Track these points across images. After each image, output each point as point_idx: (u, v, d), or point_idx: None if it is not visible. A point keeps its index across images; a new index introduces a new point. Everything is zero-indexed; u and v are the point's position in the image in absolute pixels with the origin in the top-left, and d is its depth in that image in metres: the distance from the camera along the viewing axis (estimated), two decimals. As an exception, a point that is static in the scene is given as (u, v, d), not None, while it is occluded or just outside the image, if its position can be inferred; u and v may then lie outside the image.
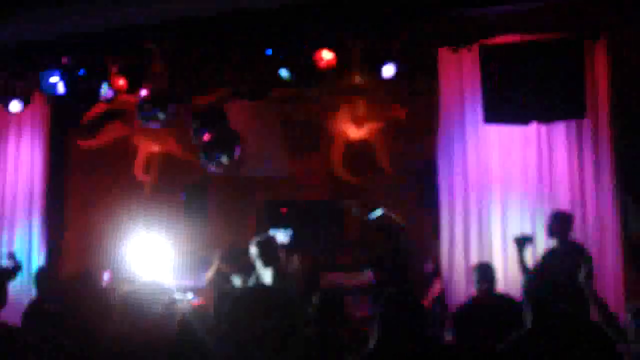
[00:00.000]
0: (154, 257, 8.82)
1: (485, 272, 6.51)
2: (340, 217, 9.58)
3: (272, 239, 7.23)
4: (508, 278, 7.26)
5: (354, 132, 8.78)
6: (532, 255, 7.17)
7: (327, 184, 9.56)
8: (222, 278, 7.39)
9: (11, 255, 8.08)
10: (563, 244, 6.78)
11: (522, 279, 6.56)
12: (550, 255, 6.85)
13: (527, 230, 7.42)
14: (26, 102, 8.71)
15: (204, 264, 9.19)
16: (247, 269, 7.31)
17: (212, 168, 8.68)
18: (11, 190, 9.39)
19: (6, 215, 9.35)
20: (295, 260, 7.45)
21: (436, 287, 8.05)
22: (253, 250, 6.87)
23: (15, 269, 7.73)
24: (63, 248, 9.88)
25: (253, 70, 8.35)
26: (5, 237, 9.22)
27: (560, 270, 6.25)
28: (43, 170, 9.44)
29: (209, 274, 7.56)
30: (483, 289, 6.40)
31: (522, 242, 6.90)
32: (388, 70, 7.68)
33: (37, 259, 9.11)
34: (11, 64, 8.47)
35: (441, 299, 7.75)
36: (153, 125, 8.43)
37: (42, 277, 7.43)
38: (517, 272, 6.95)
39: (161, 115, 8.18)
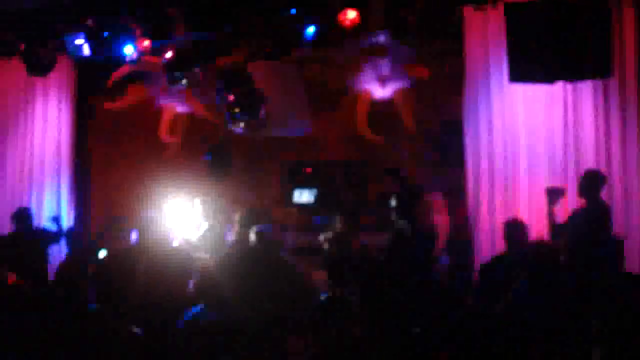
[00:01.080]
0: (178, 218, 8.92)
1: (511, 232, 6.51)
2: (364, 177, 9.59)
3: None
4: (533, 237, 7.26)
5: (378, 92, 8.74)
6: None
7: (350, 143, 9.55)
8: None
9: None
10: (591, 205, 6.74)
11: (551, 232, 6.64)
12: (577, 214, 6.83)
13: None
14: (52, 64, 8.75)
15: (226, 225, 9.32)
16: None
17: (236, 128, 8.70)
18: (39, 152, 9.57)
19: (35, 177, 9.53)
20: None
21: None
22: None
23: (59, 233, 7.91)
24: (90, 209, 10.02)
25: (276, 30, 8.32)
26: (34, 199, 9.36)
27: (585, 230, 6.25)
28: (70, 132, 9.61)
29: (233, 235, 7.59)
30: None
31: (554, 193, 6.88)
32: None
33: (66, 219, 9.25)
34: (36, 27, 8.51)
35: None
36: (178, 86, 8.46)
37: (74, 237, 7.59)
38: (543, 231, 6.97)
39: (186, 76, 8.20)
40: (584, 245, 6.28)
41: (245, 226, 7.23)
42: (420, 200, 8.14)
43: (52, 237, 8.41)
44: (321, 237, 7.39)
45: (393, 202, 7.26)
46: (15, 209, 8.64)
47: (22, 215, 8.32)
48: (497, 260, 6.67)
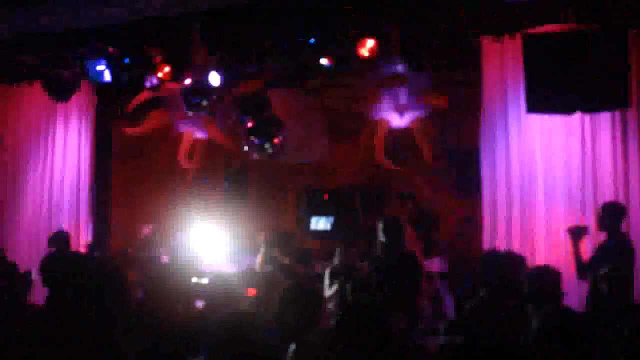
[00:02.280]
0: (197, 243, 8.98)
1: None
2: (380, 203, 9.58)
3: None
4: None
5: (396, 120, 8.77)
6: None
7: (367, 172, 9.57)
8: (273, 262, 7.41)
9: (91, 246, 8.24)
10: (612, 238, 6.66)
11: (579, 271, 6.53)
12: (598, 249, 6.74)
13: (570, 221, 7.37)
14: (74, 90, 8.87)
15: (247, 249, 9.34)
16: (298, 253, 7.38)
17: (255, 155, 8.76)
18: (59, 176, 9.67)
19: (54, 201, 9.61)
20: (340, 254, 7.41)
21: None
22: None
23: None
24: (109, 233, 10.10)
25: (294, 58, 8.39)
26: (53, 223, 9.44)
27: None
28: (90, 157, 9.73)
29: (260, 258, 7.57)
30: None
31: (577, 232, 6.71)
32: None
33: (85, 244, 9.31)
34: (58, 52, 8.63)
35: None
36: (197, 112, 8.54)
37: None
38: (560, 263, 6.90)
39: (205, 103, 8.28)
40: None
41: (276, 247, 7.29)
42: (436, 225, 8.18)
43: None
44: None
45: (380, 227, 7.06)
46: (49, 232, 8.62)
47: (61, 239, 8.29)
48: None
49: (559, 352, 3.69)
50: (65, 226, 9.40)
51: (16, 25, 8.09)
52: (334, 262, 7.22)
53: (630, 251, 6.64)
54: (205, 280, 8.09)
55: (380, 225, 6.77)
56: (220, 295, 5.18)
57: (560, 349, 3.69)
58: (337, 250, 7.29)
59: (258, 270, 7.47)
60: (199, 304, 6.25)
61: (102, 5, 7.92)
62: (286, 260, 6.99)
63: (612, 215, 6.72)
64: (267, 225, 9.55)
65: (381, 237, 6.74)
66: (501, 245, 7.78)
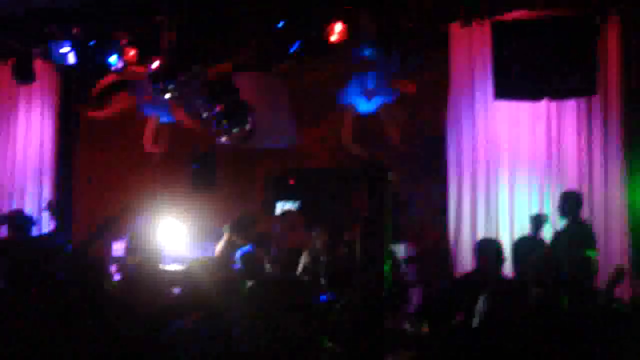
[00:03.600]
0: (162, 228, 8.91)
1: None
2: (347, 187, 9.59)
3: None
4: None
5: (364, 105, 8.77)
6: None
7: (335, 156, 9.57)
8: (232, 249, 7.40)
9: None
10: (573, 224, 6.78)
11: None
12: (559, 236, 6.85)
13: (534, 207, 7.48)
14: (36, 72, 8.72)
15: (213, 235, 9.30)
16: (258, 238, 7.36)
17: (223, 139, 8.69)
18: (22, 159, 9.53)
19: (17, 184, 9.48)
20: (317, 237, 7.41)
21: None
22: None
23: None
24: (71, 218, 9.96)
25: (262, 42, 8.35)
26: (15, 206, 9.30)
27: (568, 252, 6.27)
28: (53, 141, 9.58)
29: (220, 245, 7.56)
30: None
31: (538, 220, 6.87)
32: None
33: (47, 226, 9.18)
34: (21, 34, 8.48)
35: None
36: (164, 96, 8.44)
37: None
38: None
39: (172, 87, 8.18)
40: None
41: (235, 233, 7.26)
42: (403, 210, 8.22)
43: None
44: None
45: None
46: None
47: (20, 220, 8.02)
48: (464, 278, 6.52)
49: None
50: (26, 210, 9.26)
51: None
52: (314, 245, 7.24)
53: (591, 237, 6.77)
54: (176, 267, 8.08)
55: None
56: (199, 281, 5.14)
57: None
58: (314, 233, 7.31)
59: (217, 256, 7.42)
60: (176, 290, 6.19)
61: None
62: (244, 241, 6.99)
63: (571, 202, 6.85)
64: (234, 210, 9.54)
65: None
66: (466, 228, 7.88)
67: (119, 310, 5.46)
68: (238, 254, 6.99)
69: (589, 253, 6.20)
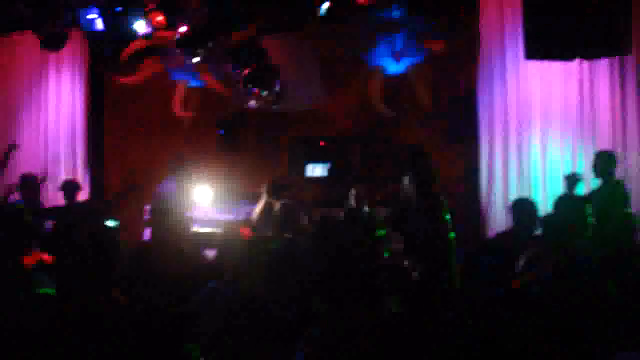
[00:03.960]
0: (192, 191, 8.98)
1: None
2: (378, 152, 9.56)
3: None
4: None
5: (393, 66, 8.70)
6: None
7: (364, 118, 9.53)
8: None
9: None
10: (607, 184, 6.73)
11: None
12: (593, 195, 6.80)
13: (567, 166, 7.42)
14: (65, 39, 8.73)
15: (243, 197, 9.34)
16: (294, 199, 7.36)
17: (251, 103, 8.70)
18: (54, 126, 9.62)
19: (50, 152, 9.57)
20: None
21: None
22: None
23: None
24: (104, 183, 10.08)
25: (290, 4, 8.30)
26: (49, 172, 9.40)
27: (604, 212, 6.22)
28: (83, 107, 9.68)
29: (258, 207, 7.52)
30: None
31: (572, 180, 6.82)
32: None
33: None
34: (49, 1, 8.47)
35: None
36: (192, 61, 8.44)
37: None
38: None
39: (200, 51, 8.17)
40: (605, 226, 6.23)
41: (273, 195, 7.27)
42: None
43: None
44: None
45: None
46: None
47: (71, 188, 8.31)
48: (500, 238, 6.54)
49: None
50: (62, 176, 9.40)
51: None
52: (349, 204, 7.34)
53: (625, 196, 6.71)
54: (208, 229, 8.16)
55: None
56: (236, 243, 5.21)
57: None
58: (351, 192, 7.34)
59: (255, 219, 7.42)
60: (210, 253, 6.24)
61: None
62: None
63: (605, 163, 6.78)
64: (262, 173, 9.58)
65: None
66: (498, 189, 7.85)
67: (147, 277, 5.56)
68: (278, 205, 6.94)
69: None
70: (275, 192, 7.38)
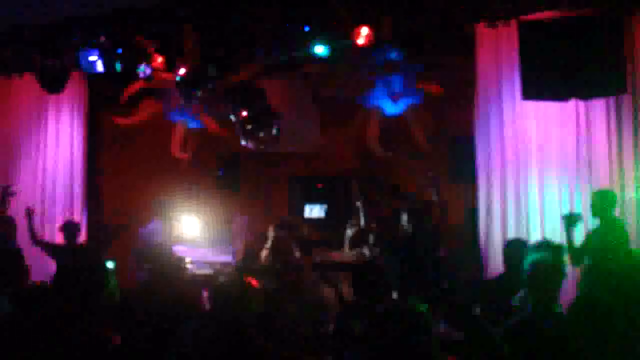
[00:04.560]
0: (189, 233, 8.97)
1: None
2: (376, 192, 9.59)
3: None
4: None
5: (390, 107, 8.77)
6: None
7: (361, 159, 9.58)
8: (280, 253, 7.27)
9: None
10: (605, 224, 6.73)
11: (572, 257, 6.57)
12: (592, 235, 6.81)
13: (564, 206, 7.45)
14: (65, 80, 8.81)
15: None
16: (303, 243, 7.35)
17: (249, 144, 8.74)
18: (52, 167, 9.63)
19: (47, 192, 9.57)
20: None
21: None
22: None
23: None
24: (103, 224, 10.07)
25: (287, 46, 8.38)
26: (46, 213, 9.41)
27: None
28: (82, 148, 9.72)
29: (265, 251, 7.44)
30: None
31: (571, 220, 6.81)
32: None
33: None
34: (50, 43, 8.56)
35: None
36: (191, 102, 8.50)
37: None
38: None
39: (199, 93, 8.24)
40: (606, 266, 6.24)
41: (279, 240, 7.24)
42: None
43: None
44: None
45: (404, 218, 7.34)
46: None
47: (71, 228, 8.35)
48: (495, 281, 6.50)
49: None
50: (57, 216, 9.39)
51: (7, 16, 8.01)
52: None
53: (624, 236, 6.72)
54: (205, 271, 8.13)
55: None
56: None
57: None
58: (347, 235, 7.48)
59: (262, 263, 7.37)
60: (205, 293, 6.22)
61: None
62: (297, 253, 6.90)
63: (604, 201, 6.80)
64: (259, 214, 9.60)
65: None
66: (496, 229, 7.86)
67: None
68: None
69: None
70: (284, 230, 7.37)
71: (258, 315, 4.85)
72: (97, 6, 8.19)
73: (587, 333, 3.79)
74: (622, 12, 7.06)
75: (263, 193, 10.14)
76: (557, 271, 4.40)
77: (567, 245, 6.69)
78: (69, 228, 8.27)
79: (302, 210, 9.80)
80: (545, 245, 5.77)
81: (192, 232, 9.18)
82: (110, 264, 7.71)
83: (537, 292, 4.29)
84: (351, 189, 9.24)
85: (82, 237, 9.06)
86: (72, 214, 9.48)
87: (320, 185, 9.87)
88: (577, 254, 6.64)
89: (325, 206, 9.71)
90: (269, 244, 7.17)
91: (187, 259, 7.99)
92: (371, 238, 7.76)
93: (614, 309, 3.84)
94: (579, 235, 6.95)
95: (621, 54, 6.91)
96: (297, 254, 6.84)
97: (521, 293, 5.07)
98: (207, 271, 8.43)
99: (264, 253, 7.19)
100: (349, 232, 7.90)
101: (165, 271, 6.10)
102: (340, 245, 8.03)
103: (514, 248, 6.07)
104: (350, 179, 9.68)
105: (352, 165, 9.76)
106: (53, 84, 8.70)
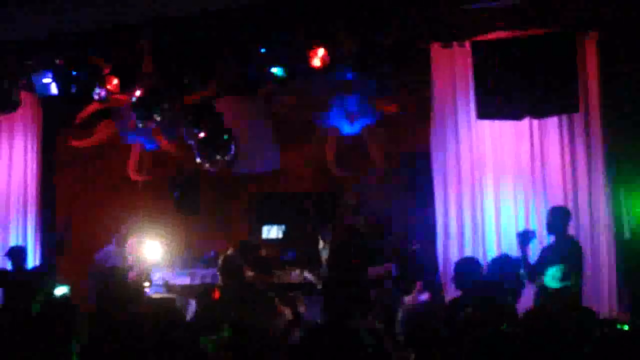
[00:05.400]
0: (147, 255, 8.87)
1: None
2: (332, 211, 9.60)
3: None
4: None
5: (346, 127, 8.82)
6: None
7: (318, 179, 9.60)
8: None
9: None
10: (559, 240, 6.83)
11: (527, 273, 6.64)
12: (546, 251, 6.89)
13: (520, 222, 7.54)
14: (18, 103, 8.68)
15: (200, 261, 9.28)
16: (261, 264, 7.33)
17: (207, 165, 8.69)
18: (5, 190, 9.42)
19: (0, 215, 9.37)
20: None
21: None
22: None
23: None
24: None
25: (243, 67, 8.38)
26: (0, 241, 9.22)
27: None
28: (36, 170, 9.53)
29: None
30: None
31: (525, 236, 6.86)
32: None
33: (33, 257, 9.12)
34: (2, 64, 8.43)
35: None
36: (147, 124, 8.43)
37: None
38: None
39: (156, 115, 8.17)
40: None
41: (242, 256, 7.20)
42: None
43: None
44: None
45: None
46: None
47: (17, 254, 8.19)
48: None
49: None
50: (11, 239, 9.23)
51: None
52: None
53: (578, 252, 6.81)
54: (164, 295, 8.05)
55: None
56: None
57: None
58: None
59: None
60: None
61: (48, 16, 7.77)
62: (249, 273, 6.89)
63: (558, 218, 6.89)
64: (218, 235, 9.54)
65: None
66: (453, 247, 7.92)
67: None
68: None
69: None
70: (244, 254, 7.32)
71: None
72: (51, 29, 8.09)
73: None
74: (573, 33, 7.20)
75: (222, 213, 10.08)
76: None
77: (521, 261, 6.74)
78: (16, 253, 8.11)
79: (260, 231, 9.76)
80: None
81: (151, 255, 9.07)
82: (63, 289, 7.61)
83: None
84: (309, 209, 9.26)
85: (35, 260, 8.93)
86: (25, 238, 9.30)
87: (276, 205, 9.86)
88: (531, 269, 6.70)
89: (282, 226, 9.69)
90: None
91: (146, 283, 7.95)
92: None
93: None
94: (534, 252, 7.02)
95: (573, 73, 7.07)
96: (250, 273, 6.86)
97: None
98: (166, 294, 8.37)
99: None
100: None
101: (116, 295, 6.02)
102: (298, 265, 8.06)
103: (466, 267, 6.11)
104: (309, 199, 9.71)
105: (310, 185, 9.77)
106: (4, 107, 8.56)
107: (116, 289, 6.06)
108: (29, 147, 9.50)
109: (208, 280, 8.47)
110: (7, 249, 8.39)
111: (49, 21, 7.89)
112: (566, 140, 7.54)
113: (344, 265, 7.69)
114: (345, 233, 8.33)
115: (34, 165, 9.53)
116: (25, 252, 8.27)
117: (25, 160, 9.49)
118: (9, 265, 8.19)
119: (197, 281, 8.84)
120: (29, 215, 9.44)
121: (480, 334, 3.70)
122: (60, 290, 7.53)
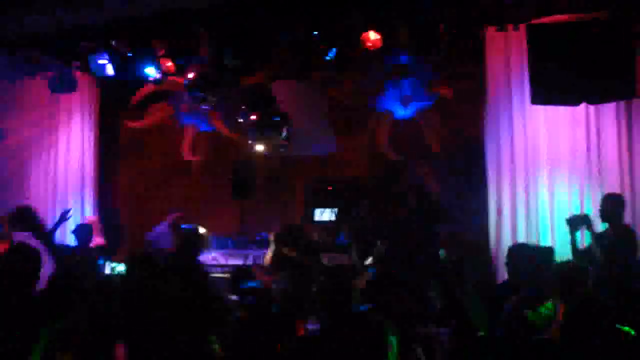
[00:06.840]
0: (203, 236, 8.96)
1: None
2: (387, 195, 9.56)
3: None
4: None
5: (401, 112, 8.76)
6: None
7: (373, 163, 9.56)
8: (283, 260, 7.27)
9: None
10: (614, 228, 6.66)
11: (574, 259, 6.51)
12: (599, 239, 6.72)
13: (574, 211, 7.37)
14: (76, 83, 8.85)
15: (254, 242, 9.35)
16: (309, 249, 7.34)
17: (261, 148, 8.74)
18: (63, 169, 9.63)
19: (59, 195, 9.59)
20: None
21: None
22: None
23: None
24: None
25: (300, 51, 8.37)
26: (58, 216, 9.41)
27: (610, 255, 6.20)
28: (93, 151, 9.71)
29: (268, 255, 7.42)
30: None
31: (575, 222, 6.66)
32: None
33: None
34: (61, 46, 8.60)
35: None
36: (202, 106, 8.52)
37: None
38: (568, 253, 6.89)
39: (210, 97, 8.25)
40: (614, 271, 6.19)
41: (281, 243, 7.23)
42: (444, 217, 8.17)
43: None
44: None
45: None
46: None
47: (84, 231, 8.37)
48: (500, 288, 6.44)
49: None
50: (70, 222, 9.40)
51: (19, 22, 8.05)
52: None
53: (633, 242, 6.63)
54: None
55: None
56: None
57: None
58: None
59: (266, 265, 7.38)
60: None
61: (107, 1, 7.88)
62: (292, 253, 6.92)
63: (613, 206, 6.71)
64: (273, 218, 9.59)
65: None
66: (506, 235, 7.81)
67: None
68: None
69: None
70: (282, 240, 7.34)
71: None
72: (109, 11, 8.20)
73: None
74: (632, 17, 6.98)
75: (276, 197, 10.14)
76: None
77: (571, 248, 6.61)
78: (83, 231, 8.30)
79: (312, 214, 9.78)
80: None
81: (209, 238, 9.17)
82: (121, 267, 7.78)
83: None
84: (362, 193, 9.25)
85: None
86: (83, 217, 9.50)
87: (329, 189, 9.84)
88: (580, 254, 6.56)
89: (335, 210, 9.68)
90: (270, 252, 7.22)
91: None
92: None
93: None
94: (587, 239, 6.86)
95: (631, 58, 6.84)
96: (293, 254, 6.91)
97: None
98: (219, 274, 8.45)
99: (268, 256, 7.25)
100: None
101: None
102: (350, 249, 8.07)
103: (518, 254, 6.02)
104: (362, 183, 9.69)
105: (365, 168, 9.75)
106: (63, 88, 8.74)
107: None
108: (86, 127, 9.67)
109: (260, 261, 8.54)
110: (76, 226, 8.55)
111: (105, 5, 7.99)
112: (623, 127, 7.33)
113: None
114: (415, 199, 8.15)
115: (91, 146, 9.70)
116: (91, 230, 8.42)
117: (83, 141, 9.67)
118: (73, 242, 8.38)
119: (250, 261, 8.90)
120: (86, 195, 9.63)
121: None
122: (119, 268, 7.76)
